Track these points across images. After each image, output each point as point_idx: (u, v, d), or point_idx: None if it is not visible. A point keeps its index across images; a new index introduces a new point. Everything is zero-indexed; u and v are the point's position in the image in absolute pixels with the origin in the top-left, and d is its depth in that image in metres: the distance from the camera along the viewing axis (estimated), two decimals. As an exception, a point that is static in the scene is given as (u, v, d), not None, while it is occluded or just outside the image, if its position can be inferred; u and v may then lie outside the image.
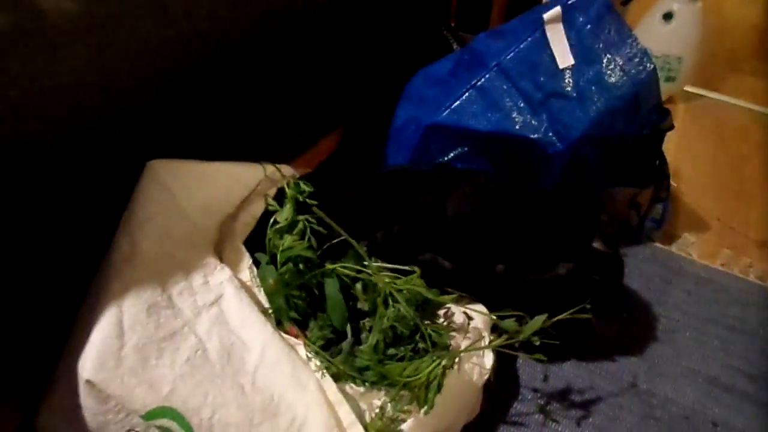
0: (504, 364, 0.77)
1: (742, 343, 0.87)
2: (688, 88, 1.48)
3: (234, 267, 0.62)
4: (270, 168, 0.69)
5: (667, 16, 1.29)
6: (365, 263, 0.64)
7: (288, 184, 0.67)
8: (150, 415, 0.48)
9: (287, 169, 0.72)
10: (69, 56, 0.47)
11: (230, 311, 0.57)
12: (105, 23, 0.49)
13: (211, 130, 0.71)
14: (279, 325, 0.61)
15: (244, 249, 0.64)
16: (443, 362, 0.59)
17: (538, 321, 0.64)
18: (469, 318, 0.72)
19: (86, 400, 0.48)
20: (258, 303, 0.59)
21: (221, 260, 0.63)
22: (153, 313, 0.51)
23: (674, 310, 0.92)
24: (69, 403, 0.49)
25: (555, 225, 0.72)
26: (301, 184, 0.68)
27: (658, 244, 1.04)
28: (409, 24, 1.05)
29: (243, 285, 0.60)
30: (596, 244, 0.72)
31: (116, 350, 0.48)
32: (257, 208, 0.68)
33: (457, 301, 0.72)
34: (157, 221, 0.57)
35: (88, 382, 0.47)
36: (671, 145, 1.28)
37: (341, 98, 0.95)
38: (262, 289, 0.62)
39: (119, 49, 0.51)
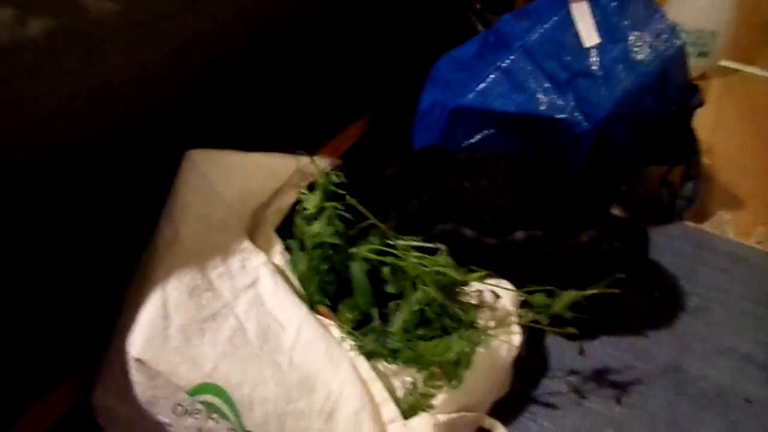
0: (533, 342, 0.78)
1: (778, 320, 0.86)
2: (723, 63, 1.44)
3: (267, 252, 0.65)
4: (303, 159, 0.71)
5: (700, -11, 1.26)
6: (390, 243, 0.66)
7: (319, 174, 0.69)
8: (195, 391, 0.52)
9: (320, 161, 0.75)
10: (112, 53, 0.49)
11: (266, 293, 0.59)
12: (144, 21, 0.51)
13: (243, 120, 0.73)
14: (311, 308, 0.64)
15: (275, 235, 0.67)
16: (472, 339, 0.60)
17: (569, 296, 0.65)
18: (497, 296, 0.73)
19: (136, 377, 0.51)
20: (292, 286, 0.62)
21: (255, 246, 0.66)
22: (195, 295, 0.55)
23: (708, 288, 0.91)
24: (121, 380, 0.53)
25: (574, 194, 0.72)
26: (332, 175, 0.70)
27: (690, 223, 1.03)
28: (434, 8, 1.05)
29: (277, 269, 0.63)
30: (616, 211, 0.72)
31: (162, 330, 0.51)
32: (290, 197, 0.71)
33: (485, 279, 0.74)
34: (197, 208, 0.60)
35: (137, 360, 0.51)
36: (706, 122, 1.26)
37: (368, 84, 0.97)
38: (294, 273, 0.65)
39: (157, 45, 0.54)
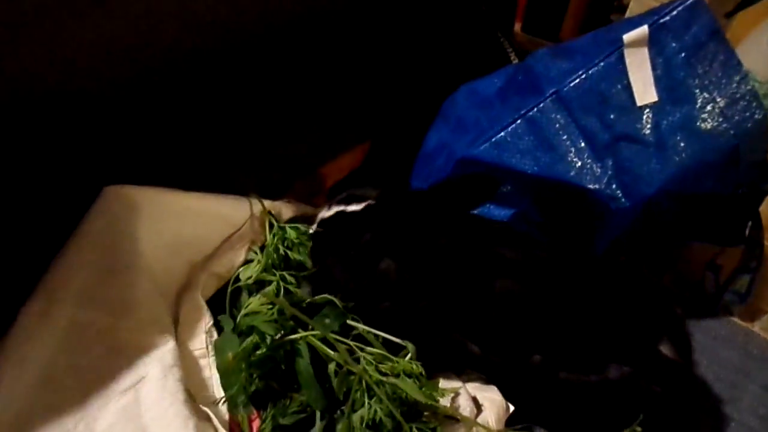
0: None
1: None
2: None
3: (187, 329, 0.51)
4: (259, 204, 0.57)
5: (784, 35, 1.06)
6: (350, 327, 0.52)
7: (273, 230, 0.55)
8: None
9: (285, 207, 0.60)
10: None
11: (147, 400, 0.44)
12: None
13: (210, 141, 0.59)
14: (234, 410, 0.49)
15: (205, 307, 0.53)
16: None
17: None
18: (479, 407, 0.58)
19: None
20: (199, 384, 0.47)
21: (177, 316, 0.52)
22: (38, 402, 0.40)
23: (749, 414, 0.73)
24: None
25: (614, 314, 0.56)
26: (288, 230, 0.56)
27: (737, 320, 0.85)
28: (460, 25, 0.88)
29: (188, 358, 0.48)
30: (663, 348, 0.55)
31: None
32: (235, 256, 0.56)
33: (468, 381, 0.59)
34: (91, 272, 0.47)
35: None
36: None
37: (366, 109, 0.81)
38: (218, 361, 0.51)
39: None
